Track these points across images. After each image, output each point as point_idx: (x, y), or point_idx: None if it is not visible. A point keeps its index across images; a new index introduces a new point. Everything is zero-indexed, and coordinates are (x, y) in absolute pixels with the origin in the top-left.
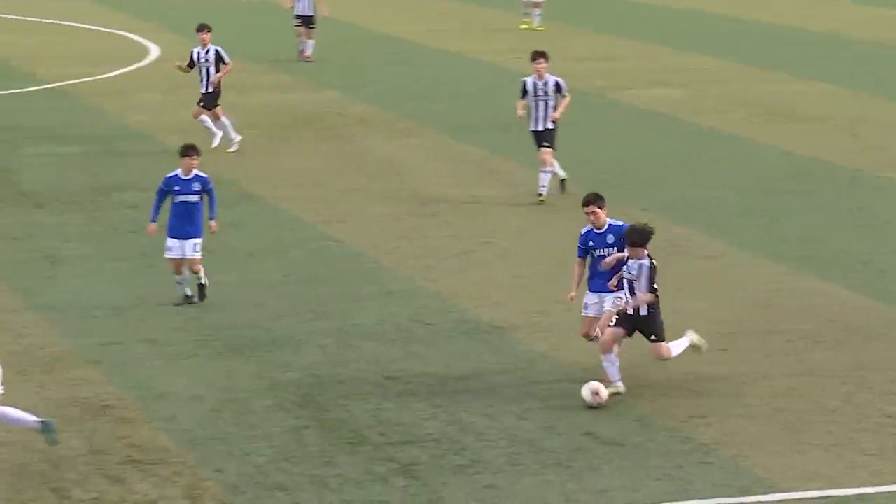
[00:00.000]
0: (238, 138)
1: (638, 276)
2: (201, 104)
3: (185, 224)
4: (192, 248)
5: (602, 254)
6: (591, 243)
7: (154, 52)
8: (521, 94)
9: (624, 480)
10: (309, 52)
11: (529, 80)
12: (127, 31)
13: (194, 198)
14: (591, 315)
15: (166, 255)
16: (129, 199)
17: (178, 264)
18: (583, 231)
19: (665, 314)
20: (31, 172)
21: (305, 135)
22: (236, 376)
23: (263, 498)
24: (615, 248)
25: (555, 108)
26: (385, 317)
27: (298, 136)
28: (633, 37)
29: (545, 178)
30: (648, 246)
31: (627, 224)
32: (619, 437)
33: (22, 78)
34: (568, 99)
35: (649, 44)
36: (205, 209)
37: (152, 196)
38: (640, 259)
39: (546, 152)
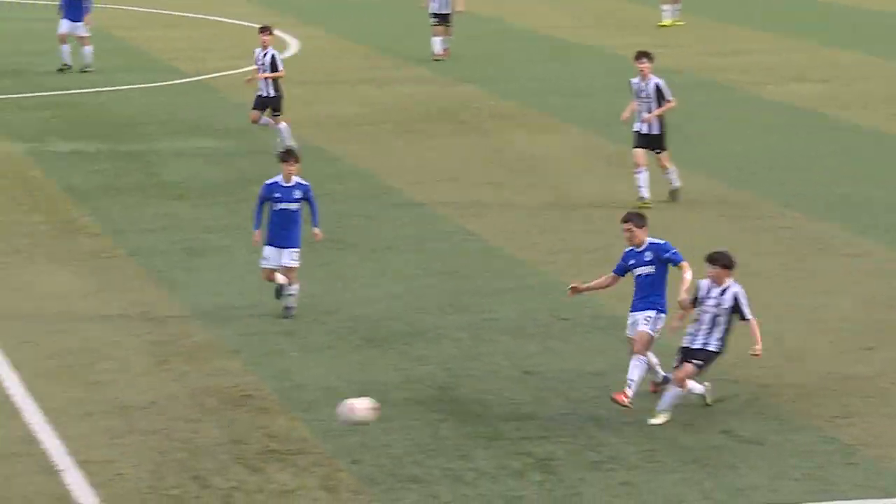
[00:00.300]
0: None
1: (733, 305)
2: (276, 114)
3: (284, 232)
4: (289, 257)
5: (642, 272)
6: (631, 262)
7: (293, 45)
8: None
9: (762, 479)
10: (445, 48)
11: (634, 81)
12: None
13: (295, 205)
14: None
15: (261, 265)
16: None
17: (271, 273)
18: (626, 250)
19: (809, 311)
20: (170, 165)
21: (442, 129)
22: (373, 368)
23: (398, 490)
24: (653, 266)
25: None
26: (522, 311)
27: (435, 131)
28: (774, 31)
29: (672, 176)
30: (733, 273)
31: (668, 243)
32: (758, 436)
33: (163, 71)
34: (672, 104)
35: (790, 38)
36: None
37: None
38: (722, 285)
39: (663, 158)
